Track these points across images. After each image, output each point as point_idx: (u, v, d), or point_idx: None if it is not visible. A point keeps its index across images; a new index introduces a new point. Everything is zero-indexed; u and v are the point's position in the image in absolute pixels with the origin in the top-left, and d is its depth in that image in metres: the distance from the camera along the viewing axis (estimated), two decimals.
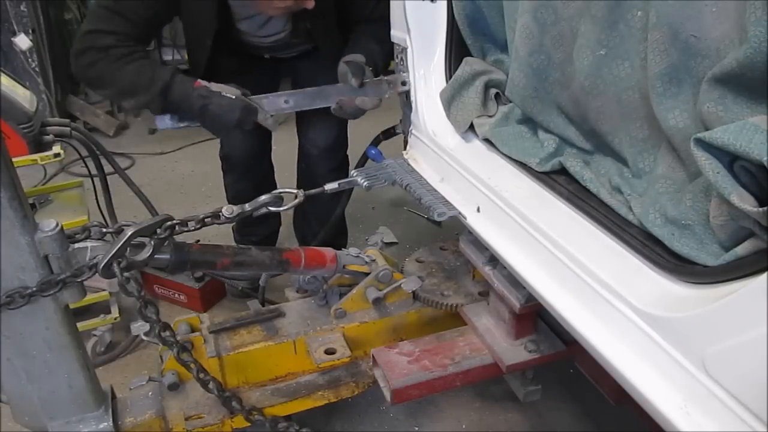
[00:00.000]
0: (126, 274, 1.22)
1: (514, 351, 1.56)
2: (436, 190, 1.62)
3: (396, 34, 1.80)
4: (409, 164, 1.80)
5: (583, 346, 1.11)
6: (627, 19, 1.11)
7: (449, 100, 1.63)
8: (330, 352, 1.62)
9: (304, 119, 2.42)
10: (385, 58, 2.03)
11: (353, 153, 2.48)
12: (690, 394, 0.89)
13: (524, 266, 1.29)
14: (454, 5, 1.59)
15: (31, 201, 2.26)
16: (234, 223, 2.47)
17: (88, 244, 1.25)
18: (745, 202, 0.82)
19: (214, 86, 1.84)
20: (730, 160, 0.85)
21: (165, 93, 1.81)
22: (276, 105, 1.88)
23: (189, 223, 1.37)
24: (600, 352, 1.05)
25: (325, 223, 2.43)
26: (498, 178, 1.45)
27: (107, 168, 2.40)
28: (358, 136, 2.53)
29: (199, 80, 1.85)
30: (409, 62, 1.75)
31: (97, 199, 2.45)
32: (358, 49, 1.97)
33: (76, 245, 1.24)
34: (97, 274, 1.22)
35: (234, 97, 1.82)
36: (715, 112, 0.91)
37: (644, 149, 1.16)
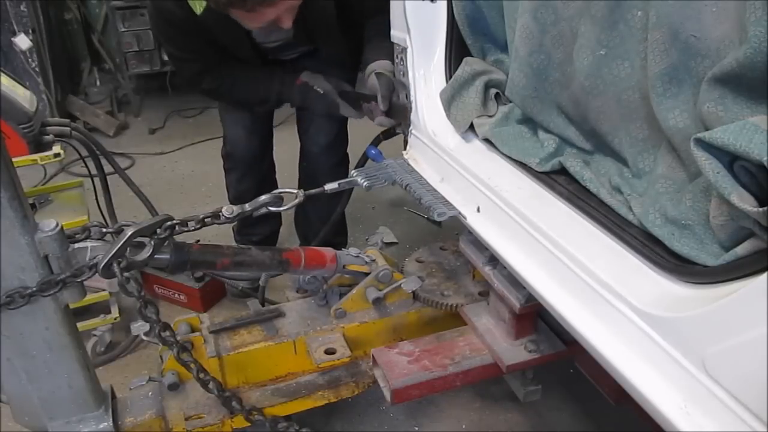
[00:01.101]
0: (126, 274, 1.22)
1: (514, 351, 1.56)
2: (436, 190, 1.62)
3: (396, 34, 1.80)
4: (409, 164, 1.80)
5: (583, 346, 1.11)
6: (627, 19, 1.11)
7: (449, 100, 1.63)
8: (330, 352, 1.62)
9: (304, 117, 2.49)
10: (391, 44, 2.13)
11: (353, 153, 2.48)
12: (690, 394, 0.89)
13: (524, 266, 1.29)
14: (454, 5, 1.59)
15: (31, 201, 2.26)
16: (234, 223, 2.48)
17: (88, 244, 1.25)
18: (745, 202, 0.82)
19: (312, 80, 2.15)
20: (730, 160, 0.85)
21: (279, 97, 2.22)
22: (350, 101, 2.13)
23: (189, 223, 1.37)
24: (600, 352, 1.05)
25: (326, 222, 2.44)
26: (498, 178, 1.45)
27: (107, 168, 2.40)
28: (358, 136, 2.52)
29: (301, 77, 2.16)
30: (409, 62, 1.75)
31: (97, 199, 2.45)
32: (380, 51, 2.00)
33: (76, 245, 1.24)
34: (97, 274, 1.22)
35: (322, 92, 2.13)
36: (715, 112, 0.91)
37: (644, 149, 1.16)
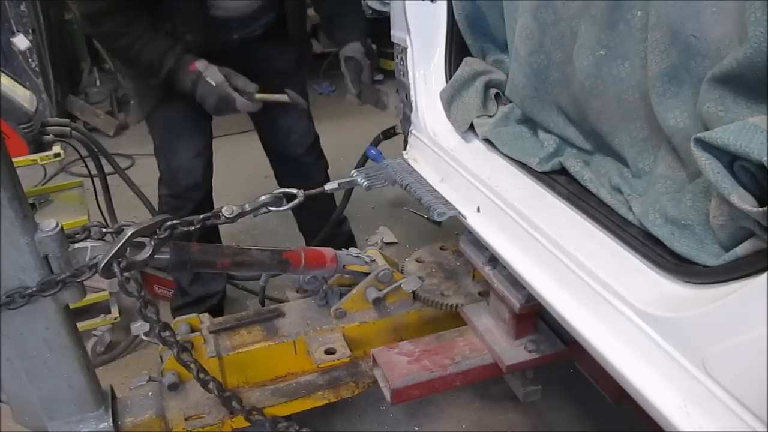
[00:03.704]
0: (126, 274, 1.22)
1: (514, 351, 1.56)
2: (436, 190, 1.62)
3: (396, 34, 1.80)
4: (409, 164, 1.80)
5: (583, 346, 1.11)
6: (627, 19, 1.11)
7: (449, 100, 1.63)
8: (330, 352, 1.62)
9: (275, 123, 2.33)
10: (364, 19, 2.13)
11: (353, 153, 2.48)
12: (690, 394, 0.89)
13: (524, 266, 1.29)
14: (454, 5, 1.59)
15: (31, 201, 2.26)
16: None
17: (88, 244, 1.25)
18: (745, 202, 0.82)
19: (204, 67, 1.92)
20: (730, 160, 0.85)
21: (169, 76, 1.93)
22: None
23: (189, 223, 1.37)
24: (600, 352, 1.05)
25: (334, 222, 2.42)
26: (498, 178, 1.45)
27: (107, 168, 2.40)
28: (358, 136, 2.53)
29: (195, 63, 1.92)
30: (409, 62, 1.75)
31: (97, 199, 2.45)
32: (351, 32, 1.98)
33: (76, 245, 1.24)
34: (97, 274, 1.22)
35: (215, 84, 1.90)
36: (715, 112, 0.91)
37: (644, 149, 1.16)
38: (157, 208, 2.35)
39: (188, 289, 2.39)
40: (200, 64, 1.93)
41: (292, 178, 2.39)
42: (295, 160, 2.38)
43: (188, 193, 2.20)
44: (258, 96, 1.96)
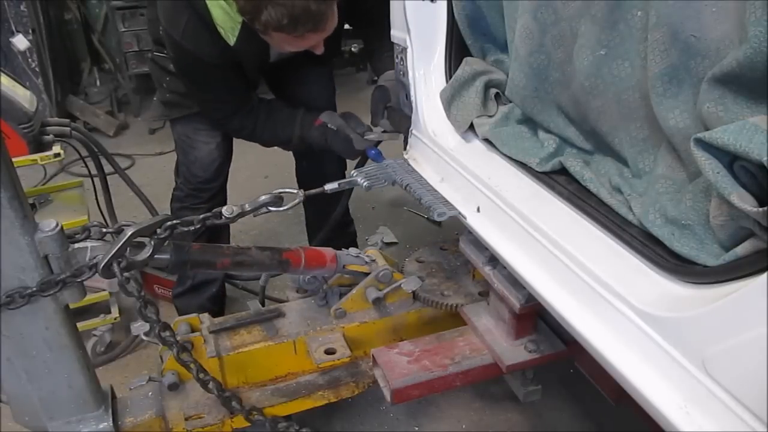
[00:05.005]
0: (126, 274, 1.22)
1: (514, 351, 1.56)
2: (436, 190, 1.62)
3: (396, 34, 1.80)
4: (409, 164, 1.80)
5: (583, 346, 1.11)
6: (627, 19, 1.11)
7: (449, 100, 1.63)
8: (330, 352, 1.62)
9: (316, 159, 2.44)
10: None
11: None
12: (690, 394, 0.89)
13: (524, 266, 1.29)
14: (454, 5, 1.59)
15: (31, 201, 2.27)
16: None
17: (88, 244, 1.25)
18: (745, 202, 0.82)
19: (328, 117, 2.08)
20: (730, 160, 0.85)
21: (301, 141, 2.12)
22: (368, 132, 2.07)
23: (189, 223, 1.37)
24: (600, 352, 1.05)
25: (336, 221, 2.44)
26: (498, 178, 1.45)
27: (107, 168, 2.40)
28: None
29: (320, 117, 2.09)
30: (409, 62, 1.75)
31: (97, 199, 2.46)
32: (386, 59, 1.98)
33: (76, 245, 1.24)
34: (97, 274, 1.22)
35: (336, 128, 2.06)
36: (715, 112, 0.91)
37: (644, 149, 1.16)
38: (172, 192, 2.43)
39: (188, 273, 2.41)
40: (323, 116, 2.08)
41: (310, 174, 2.51)
42: (315, 156, 2.44)
43: (203, 185, 2.29)
44: (371, 136, 2.05)
